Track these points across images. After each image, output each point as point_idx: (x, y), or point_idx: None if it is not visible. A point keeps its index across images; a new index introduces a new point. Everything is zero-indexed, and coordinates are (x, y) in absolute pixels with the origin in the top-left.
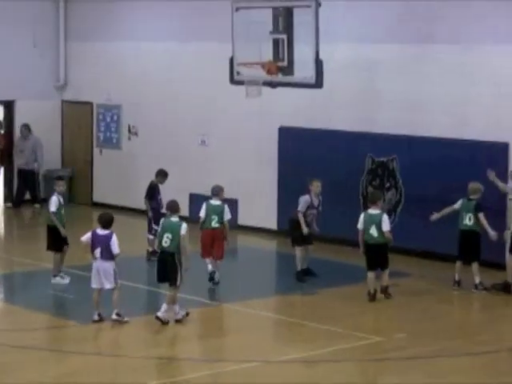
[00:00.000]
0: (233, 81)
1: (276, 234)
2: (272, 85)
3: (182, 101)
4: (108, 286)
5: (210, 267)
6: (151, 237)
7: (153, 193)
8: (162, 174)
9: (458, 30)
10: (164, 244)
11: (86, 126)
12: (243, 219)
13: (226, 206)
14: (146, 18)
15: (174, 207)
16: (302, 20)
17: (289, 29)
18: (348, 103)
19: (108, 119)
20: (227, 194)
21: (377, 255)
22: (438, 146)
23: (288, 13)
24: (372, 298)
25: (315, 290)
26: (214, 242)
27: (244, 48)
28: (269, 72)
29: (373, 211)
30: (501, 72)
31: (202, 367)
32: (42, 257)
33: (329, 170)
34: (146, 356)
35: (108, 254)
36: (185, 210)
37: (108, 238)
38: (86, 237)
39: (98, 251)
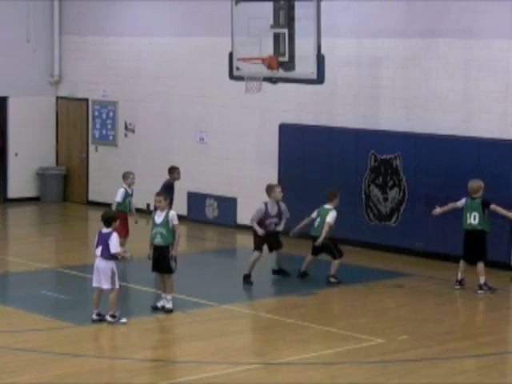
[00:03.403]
0: (232, 76)
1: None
2: (272, 80)
3: (180, 97)
4: (105, 286)
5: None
6: None
7: (172, 192)
8: (177, 170)
9: (462, 25)
10: (156, 241)
11: (82, 122)
12: (242, 218)
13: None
14: (142, 12)
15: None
16: (303, 14)
17: (290, 23)
18: (350, 99)
19: (104, 116)
20: (226, 193)
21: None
22: (443, 143)
23: (289, 6)
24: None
25: (315, 290)
26: None
27: (244, 43)
28: (269, 67)
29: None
30: (507, 68)
31: (199, 369)
32: (36, 257)
33: (330, 167)
34: (143, 358)
35: (107, 253)
36: (183, 209)
37: (108, 236)
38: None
39: (98, 250)
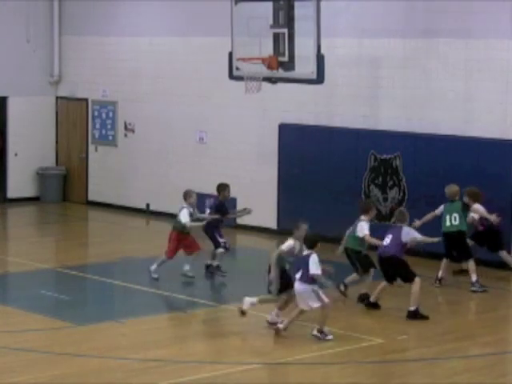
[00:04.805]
0: (232, 76)
1: (276, 233)
2: (272, 80)
3: (180, 97)
4: (315, 304)
5: None
6: (222, 250)
7: (226, 211)
8: (228, 188)
9: (462, 25)
10: None
11: (81, 122)
12: (242, 218)
13: None
14: (142, 12)
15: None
16: (303, 14)
17: (290, 23)
18: (350, 99)
19: (104, 116)
20: None
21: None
22: (443, 143)
23: (289, 6)
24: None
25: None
26: None
27: (244, 43)
28: (269, 67)
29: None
30: (507, 67)
31: (200, 369)
32: (36, 257)
33: (330, 167)
34: (143, 358)
35: (306, 277)
36: None
37: (307, 258)
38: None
39: (298, 273)
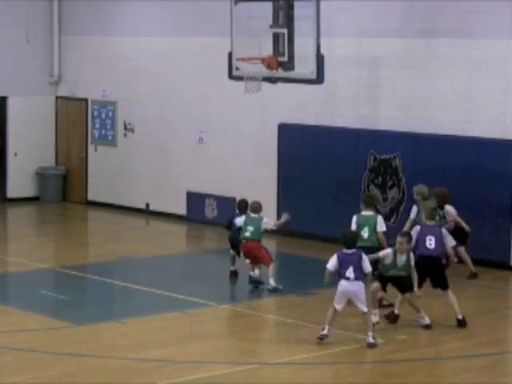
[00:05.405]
0: (232, 76)
1: (276, 233)
2: (272, 80)
3: (180, 97)
4: (364, 308)
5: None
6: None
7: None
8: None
9: (462, 25)
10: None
11: (81, 122)
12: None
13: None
14: (142, 12)
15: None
16: (302, 14)
17: (289, 23)
18: (350, 99)
19: (103, 116)
20: (225, 193)
21: None
22: (442, 143)
23: (288, 6)
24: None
25: (315, 290)
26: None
27: (243, 42)
28: (269, 67)
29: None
30: (507, 68)
31: (199, 369)
32: (36, 257)
33: (330, 167)
34: (142, 358)
35: (360, 274)
36: (182, 209)
37: (357, 256)
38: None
39: (350, 271)
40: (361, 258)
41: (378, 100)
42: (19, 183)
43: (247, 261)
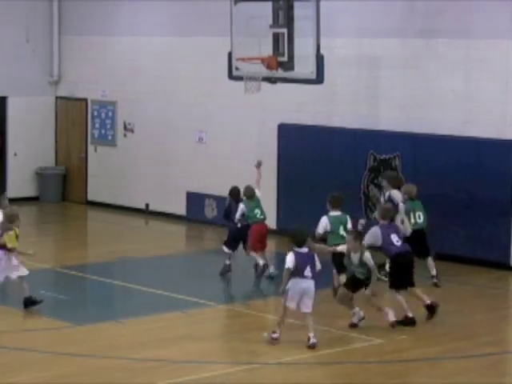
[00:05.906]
0: (231, 76)
1: (275, 233)
2: (271, 80)
3: (179, 97)
4: (309, 309)
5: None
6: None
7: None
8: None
9: (462, 25)
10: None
11: (81, 122)
12: None
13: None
14: (142, 12)
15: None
16: (302, 14)
17: (289, 23)
18: (349, 99)
19: (103, 116)
20: (225, 193)
21: None
22: (442, 143)
23: (288, 6)
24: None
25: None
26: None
27: (243, 42)
28: (268, 67)
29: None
30: (507, 68)
31: (199, 369)
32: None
33: (330, 167)
34: (142, 358)
35: (314, 273)
36: (182, 209)
37: (311, 255)
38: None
39: (307, 270)
40: (314, 256)
41: (377, 100)
42: (19, 183)
43: (252, 253)
